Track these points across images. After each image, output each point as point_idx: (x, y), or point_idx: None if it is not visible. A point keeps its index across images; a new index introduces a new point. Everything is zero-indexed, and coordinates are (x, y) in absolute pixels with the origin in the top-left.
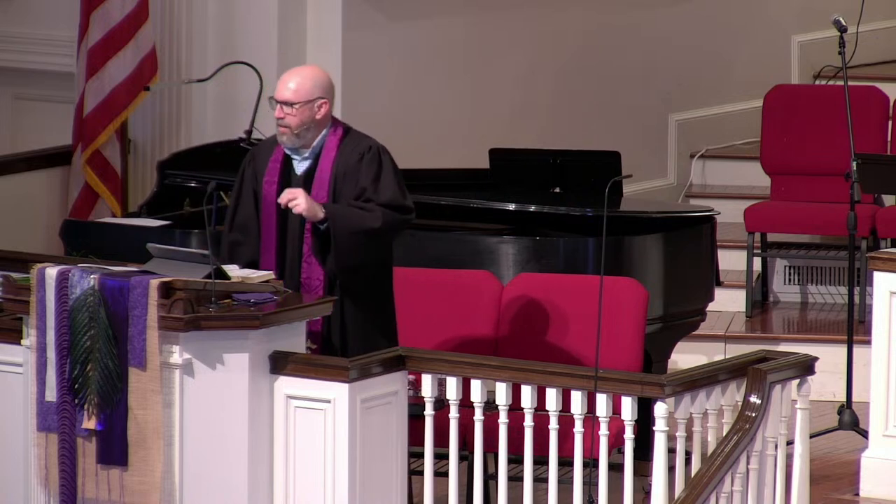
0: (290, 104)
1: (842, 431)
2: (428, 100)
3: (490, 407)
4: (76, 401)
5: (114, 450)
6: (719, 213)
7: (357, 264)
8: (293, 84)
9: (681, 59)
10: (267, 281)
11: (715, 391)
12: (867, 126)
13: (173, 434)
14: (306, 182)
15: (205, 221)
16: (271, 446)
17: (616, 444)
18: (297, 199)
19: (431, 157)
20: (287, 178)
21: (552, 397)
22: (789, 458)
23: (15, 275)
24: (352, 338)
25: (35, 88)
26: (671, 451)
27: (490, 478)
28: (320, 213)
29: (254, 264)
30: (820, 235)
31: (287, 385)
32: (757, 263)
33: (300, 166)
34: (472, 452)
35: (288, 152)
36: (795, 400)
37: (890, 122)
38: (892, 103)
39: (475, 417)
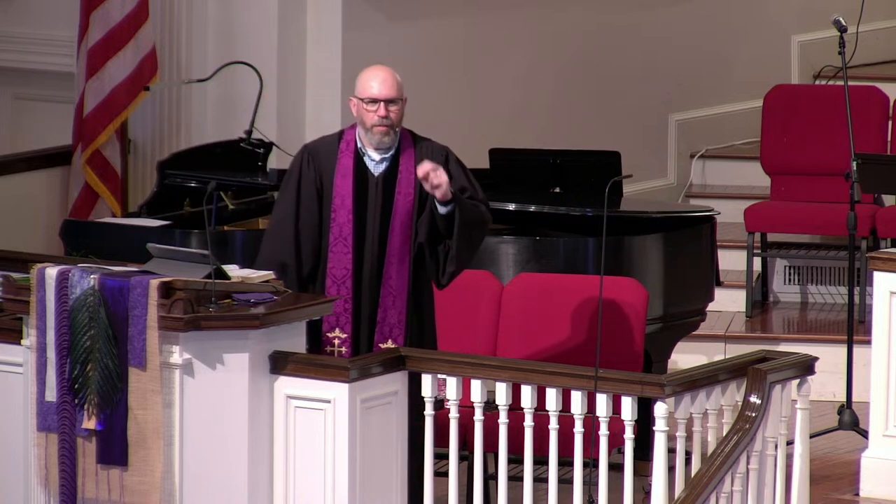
0: (395, 101)
1: (842, 431)
2: (428, 100)
3: (490, 407)
4: (76, 401)
5: (114, 450)
6: (719, 213)
7: (471, 253)
8: (392, 81)
9: (681, 59)
10: (267, 281)
11: (715, 391)
12: (867, 126)
13: (173, 434)
14: (386, 184)
15: (205, 221)
16: (271, 446)
17: (616, 444)
18: (440, 173)
19: None
20: (363, 180)
21: (552, 397)
22: (789, 458)
23: (15, 275)
24: (428, 331)
25: (35, 88)
26: (671, 451)
27: (490, 478)
28: (449, 194)
29: (313, 270)
30: (820, 235)
31: (287, 385)
32: (757, 263)
33: (377, 168)
34: (472, 452)
35: (367, 153)
36: (795, 400)
37: (890, 122)
38: (892, 103)
39: (475, 417)
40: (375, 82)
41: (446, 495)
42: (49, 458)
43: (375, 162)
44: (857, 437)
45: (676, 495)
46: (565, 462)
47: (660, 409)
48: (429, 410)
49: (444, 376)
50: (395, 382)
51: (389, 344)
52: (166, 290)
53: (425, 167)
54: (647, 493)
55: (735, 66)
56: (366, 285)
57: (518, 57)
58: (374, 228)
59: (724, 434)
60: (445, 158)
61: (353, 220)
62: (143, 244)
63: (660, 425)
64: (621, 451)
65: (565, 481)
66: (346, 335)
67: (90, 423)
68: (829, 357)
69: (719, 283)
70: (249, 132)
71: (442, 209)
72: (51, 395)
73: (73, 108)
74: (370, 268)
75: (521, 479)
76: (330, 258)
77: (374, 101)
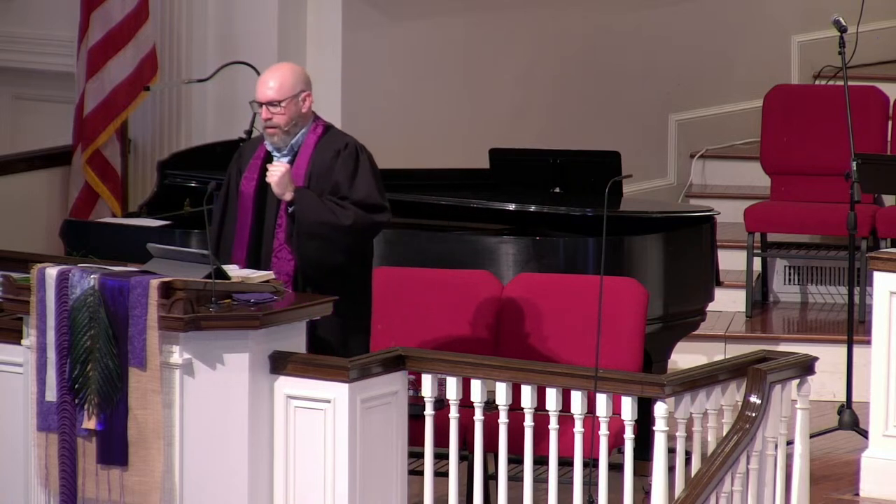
0: (275, 103)
1: (842, 431)
2: (428, 100)
3: (490, 407)
4: (76, 401)
5: (114, 450)
6: (719, 213)
7: (319, 257)
8: (274, 83)
9: (681, 59)
10: (267, 281)
11: (715, 391)
12: (867, 126)
13: (173, 434)
14: None
15: (205, 221)
16: (271, 446)
17: (616, 444)
18: (274, 170)
19: (431, 157)
20: (266, 175)
21: (552, 397)
22: (789, 458)
23: (15, 275)
24: (324, 332)
25: (35, 88)
26: (671, 451)
27: (490, 478)
28: (288, 195)
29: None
30: (820, 235)
31: (287, 385)
32: (757, 263)
33: None
34: (472, 452)
35: (270, 149)
36: (795, 400)
37: (890, 122)
38: (892, 103)
39: (475, 417)
40: (261, 86)
41: (446, 495)
42: (49, 458)
43: (278, 158)
44: (857, 437)
45: (676, 495)
46: (565, 462)
47: (660, 409)
48: (429, 410)
49: (442, 376)
50: (395, 382)
51: None
52: (166, 290)
53: (270, 166)
54: (647, 493)
55: (735, 66)
56: None
57: (518, 57)
58: (270, 223)
59: (724, 434)
60: (337, 152)
61: (253, 216)
62: (143, 244)
63: (660, 425)
64: (621, 451)
65: (565, 481)
66: None
67: (90, 423)
68: (829, 357)
69: (719, 283)
70: (249, 132)
71: (289, 207)
72: (51, 395)
73: (73, 108)
74: (265, 262)
75: (521, 479)
76: (233, 253)
77: (258, 104)
